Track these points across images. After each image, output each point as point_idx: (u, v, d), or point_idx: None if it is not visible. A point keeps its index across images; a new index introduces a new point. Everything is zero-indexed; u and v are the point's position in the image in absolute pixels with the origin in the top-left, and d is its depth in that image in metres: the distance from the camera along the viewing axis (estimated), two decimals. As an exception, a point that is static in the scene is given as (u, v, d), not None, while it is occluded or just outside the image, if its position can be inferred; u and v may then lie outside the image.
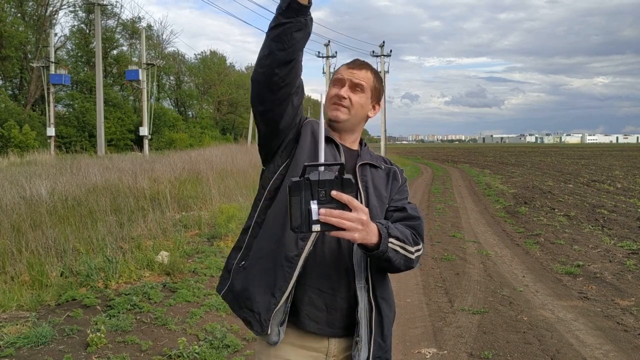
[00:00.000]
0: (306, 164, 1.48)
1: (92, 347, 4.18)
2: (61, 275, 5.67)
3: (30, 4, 47.04)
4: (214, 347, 4.32)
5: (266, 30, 1.66)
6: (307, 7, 1.61)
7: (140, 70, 40.15)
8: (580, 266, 7.20)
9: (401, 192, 1.93)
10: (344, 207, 1.47)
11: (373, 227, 1.60)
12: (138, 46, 50.85)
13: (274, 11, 1.64)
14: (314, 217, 1.43)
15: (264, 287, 1.73)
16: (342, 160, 1.80)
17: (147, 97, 41.28)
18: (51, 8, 48.08)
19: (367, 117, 1.95)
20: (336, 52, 42.04)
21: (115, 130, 44.85)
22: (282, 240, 1.73)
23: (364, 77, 1.90)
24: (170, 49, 62.99)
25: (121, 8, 76.28)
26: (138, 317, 4.87)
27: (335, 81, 1.91)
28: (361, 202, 1.76)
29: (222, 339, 4.46)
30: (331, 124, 1.89)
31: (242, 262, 1.84)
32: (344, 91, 1.87)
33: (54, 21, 48.82)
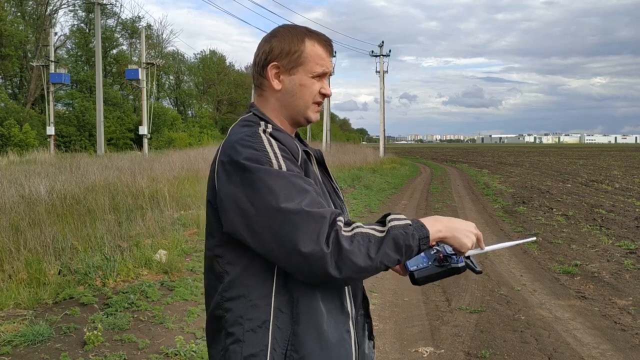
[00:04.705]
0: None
1: (89, 345, 4.18)
2: (59, 274, 5.67)
3: (30, 3, 47.08)
4: (211, 346, 4.32)
5: (376, 266, 1.39)
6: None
7: (139, 70, 40.16)
8: (578, 265, 7.20)
9: None
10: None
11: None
12: (138, 45, 50.90)
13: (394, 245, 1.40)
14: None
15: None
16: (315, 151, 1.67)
17: (147, 96, 41.30)
18: (51, 7, 48.13)
19: None
20: (335, 52, 42.02)
21: (115, 130, 44.82)
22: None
23: None
24: (169, 49, 63.07)
25: (121, 7, 76.36)
26: (135, 316, 4.88)
27: (322, 74, 1.61)
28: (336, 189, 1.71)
29: (220, 337, 4.45)
30: (302, 123, 1.66)
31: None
32: (329, 90, 1.64)
33: (54, 20, 48.85)
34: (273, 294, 1.45)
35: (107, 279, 5.59)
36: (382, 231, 1.41)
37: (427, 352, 4.45)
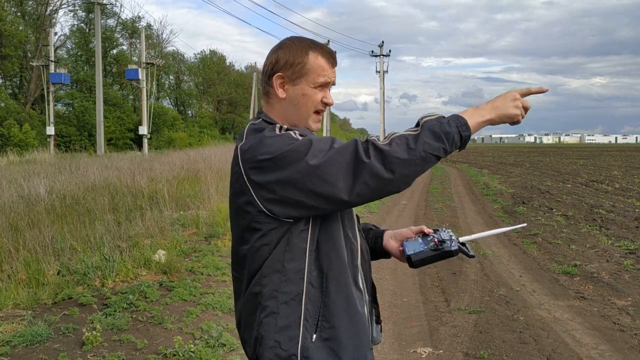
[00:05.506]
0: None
1: (88, 346, 4.18)
2: (58, 274, 5.68)
3: (30, 3, 47.03)
4: (210, 346, 4.33)
5: (421, 155, 1.49)
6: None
7: (139, 70, 40.14)
8: (577, 266, 7.20)
9: None
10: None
11: None
12: (138, 45, 50.83)
13: (437, 140, 1.50)
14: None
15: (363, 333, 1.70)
16: None
17: (147, 96, 41.29)
18: (51, 7, 48.08)
19: None
20: (335, 52, 41.97)
21: (115, 130, 44.83)
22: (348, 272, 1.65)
23: None
24: (169, 49, 63.00)
25: (121, 7, 76.37)
26: (134, 316, 4.87)
27: (324, 84, 1.72)
28: None
29: (218, 337, 4.46)
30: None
31: (320, 333, 1.58)
32: (331, 99, 1.74)
33: (54, 20, 48.81)
34: (306, 269, 1.57)
35: (106, 279, 5.59)
36: (416, 130, 1.53)
37: (425, 352, 4.45)
